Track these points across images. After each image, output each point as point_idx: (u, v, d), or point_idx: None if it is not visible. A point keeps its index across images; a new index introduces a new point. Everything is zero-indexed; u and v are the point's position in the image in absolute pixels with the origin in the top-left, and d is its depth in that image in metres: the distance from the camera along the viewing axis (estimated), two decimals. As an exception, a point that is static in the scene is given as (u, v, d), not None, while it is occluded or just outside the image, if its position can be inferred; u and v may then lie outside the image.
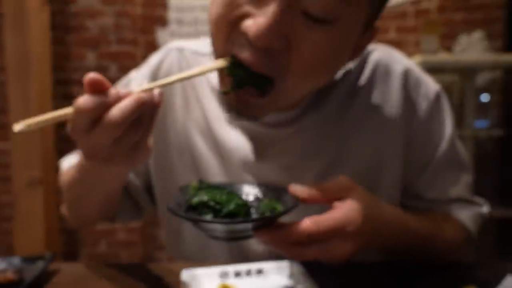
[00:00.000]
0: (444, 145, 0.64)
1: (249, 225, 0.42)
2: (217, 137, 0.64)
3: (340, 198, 0.46)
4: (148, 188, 0.74)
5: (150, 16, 2.66)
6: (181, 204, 0.45)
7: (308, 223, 0.43)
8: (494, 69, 2.43)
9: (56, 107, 2.42)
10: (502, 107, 2.50)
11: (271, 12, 0.43)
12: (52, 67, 2.33)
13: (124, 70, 2.54)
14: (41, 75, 2.20)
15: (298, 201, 0.45)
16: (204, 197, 0.44)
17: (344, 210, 0.45)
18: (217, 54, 0.50)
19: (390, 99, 0.63)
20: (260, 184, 0.51)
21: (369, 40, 0.54)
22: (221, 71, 0.49)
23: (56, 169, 2.28)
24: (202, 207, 0.43)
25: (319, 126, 0.62)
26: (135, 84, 0.68)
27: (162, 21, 2.65)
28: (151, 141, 0.44)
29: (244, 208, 0.44)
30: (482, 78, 2.51)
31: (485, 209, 0.68)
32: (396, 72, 0.63)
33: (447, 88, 2.55)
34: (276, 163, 0.62)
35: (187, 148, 0.66)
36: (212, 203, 0.43)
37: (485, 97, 2.52)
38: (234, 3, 0.45)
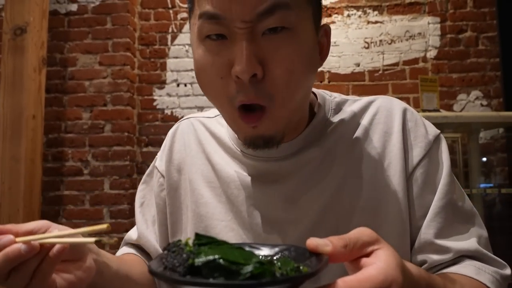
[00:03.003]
0: (443, 189, 0.63)
1: None
2: (223, 181, 0.68)
3: (366, 253, 0.38)
4: None
5: (147, 76, 2.67)
6: (174, 265, 0.33)
7: (342, 286, 0.34)
8: (495, 127, 2.40)
9: (46, 168, 2.41)
10: (507, 165, 2.43)
11: (243, 47, 0.52)
12: (44, 127, 2.28)
13: (119, 129, 2.50)
14: (33, 136, 2.15)
15: (325, 259, 0.35)
16: (212, 255, 0.32)
17: (382, 268, 0.36)
18: (227, 115, 0.58)
19: (391, 138, 0.65)
20: (268, 244, 0.41)
21: (326, 38, 0.62)
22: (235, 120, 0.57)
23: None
24: (209, 268, 0.32)
25: (321, 160, 0.65)
26: (159, 158, 0.77)
27: (160, 82, 2.66)
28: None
29: (269, 268, 0.32)
30: (484, 136, 2.47)
31: (508, 271, 0.62)
32: (396, 114, 0.67)
33: (451, 146, 2.50)
34: (279, 196, 0.64)
35: (192, 199, 0.69)
36: (224, 263, 0.31)
37: (489, 156, 2.46)
38: (216, 62, 0.54)
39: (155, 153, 0.79)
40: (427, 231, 0.62)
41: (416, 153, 0.64)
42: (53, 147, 2.50)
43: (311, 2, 0.57)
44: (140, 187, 0.78)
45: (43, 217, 2.29)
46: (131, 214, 2.40)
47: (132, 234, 0.76)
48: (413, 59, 2.60)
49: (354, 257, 0.38)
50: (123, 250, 0.77)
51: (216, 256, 0.32)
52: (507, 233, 2.15)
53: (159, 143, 2.56)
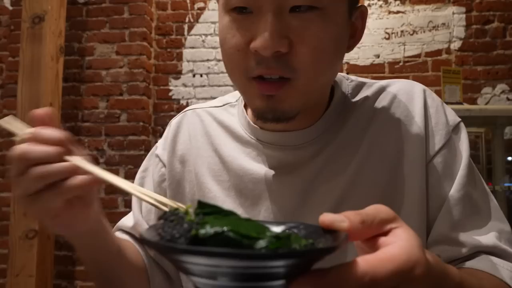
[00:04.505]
0: (461, 180, 0.60)
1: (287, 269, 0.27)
2: (234, 174, 0.65)
3: (383, 232, 0.35)
4: None
5: (163, 66, 2.66)
6: (174, 236, 0.28)
7: (363, 265, 0.30)
8: (522, 122, 2.29)
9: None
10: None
11: (268, 21, 0.50)
12: (61, 116, 2.30)
13: (134, 119, 2.50)
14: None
15: (345, 235, 0.31)
16: (219, 226, 0.28)
17: (404, 247, 0.32)
18: (240, 86, 0.58)
19: (412, 123, 0.62)
20: (274, 221, 0.37)
21: (362, 21, 0.60)
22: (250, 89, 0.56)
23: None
24: (216, 242, 0.27)
25: (338, 146, 0.62)
26: (160, 147, 0.73)
27: (176, 72, 2.65)
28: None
29: (287, 243, 0.28)
30: (510, 132, 2.37)
31: None
32: (418, 98, 0.64)
33: (474, 141, 2.41)
34: (296, 187, 0.62)
35: (199, 194, 0.67)
36: (234, 235, 0.27)
37: (514, 152, 2.36)
38: (236, 36, 0.53)
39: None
40: (442, 223, 0.59)
41: (437, 141, 0.61)
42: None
43: None
44: (139, 174, 0.75)
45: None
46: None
47: (127, 221, 0.71)
48: (436, 50, 2.50)
49: (371, 235, 0.34)
50: (116, 235, 0.74)
51: (225, 228, 0.27)
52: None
53: (174, 134, 2.55)
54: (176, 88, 2.64)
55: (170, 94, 2.64)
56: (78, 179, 0.45)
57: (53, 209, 0.45)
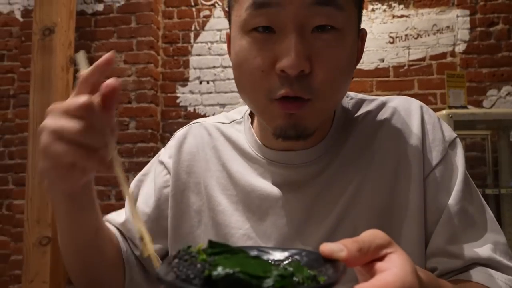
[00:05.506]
0: (457, 194, 0.62)
1: None
2: (241, 189, 0.66)
3: (379, 257, 0.37)
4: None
5: (170, 74, 2.71)
6: (188, 276, 0.31)
7: None
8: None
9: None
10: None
11: (293, 41, 0.52)
12: (72, 124, 2.35)
13: (143, 126, 2.55)
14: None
15: (343, 266, 0.34)
16: (229, 266, 0.31)
17: (398, 273, 0.35)
18: (259, 107, 0.58)
19: (410, 139, 0.64)
20: (278, 248, 0.40)
21: (362, 42, 0.62)
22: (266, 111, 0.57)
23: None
24: (227, 282, 0.30)
25: (340, 163, 0.64)
26: (166, 155, 0.73)
27: (183, 79, 2.69)
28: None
29: (291, 282, 0.31)
30: (516, 134, 2.37)
31: None
32: (415, 115, 0.66)
33: (480, 144, 2.41)
34: (301, 203, 0.63)
35: (209, 206, 0.68)
36: (243, 276, 0.30)
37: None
38: (260, 56, 0.54)
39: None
40: (439, 236, 0.61)
41: (434, 156, 0.63)
42: (80, 143, 2.58)
43: (358, 4, 0.57)
44: (137, 177, 0.75)
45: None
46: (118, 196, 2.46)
47: (117, 217, 0.71)
48: (441, 53, 2.51)
49: (368, 260, 0.37)
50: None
51: (236, 270, 0.30)
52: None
53: (182, 140, 2.59)
54: (183, 95, 2.68)
55: (178, 101, 2.68)
56: (107, 164, 0.45)
57: (68, 165, 0.46)
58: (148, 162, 0.77)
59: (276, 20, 0.52)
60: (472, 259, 0.59)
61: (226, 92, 2.65)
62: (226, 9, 0.60)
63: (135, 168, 2.50)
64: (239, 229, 0.65)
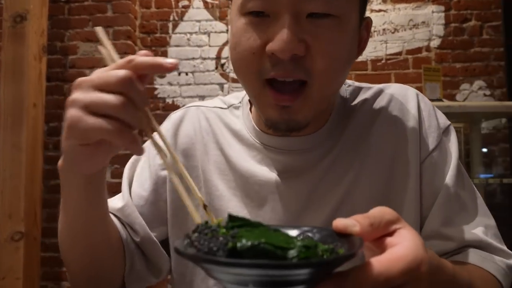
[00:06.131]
0: (451, 179, 0.63)
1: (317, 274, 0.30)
2: (239, 175, 0.66)
3: (388, 232, 0.38)
4: (166, 244, 0.70)
5: (148, 65, 2.65)
6: (211, 249, 0.31)
7: (378, 266, 0.33)
8: (498, 117, 2.38)
9: (47, 156, 2.42)
10: (509, 155, 2.42)
11: (286, 25, 0.51)
12: (45, 116, 2.27)
13: (120, 118, 2.49)
14: (34, 124, 2.14)
15: (360, 239, 0.34)
16: (253, 238, 0.30)
17: (410, 247, 0.36)
18: (252, 91, 0.58)
19: (407, 126, 0.65)
20: (288, 226, 0.40)
21: (366, 32, 0.62)
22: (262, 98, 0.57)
23: (41, 222, 2.19)
24: (252, 253, 0.30)
25: (340, 149, 0.64)
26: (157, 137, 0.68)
27: (161, 70, 2.64)
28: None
29: (315, 252, 0.31)
30: (487, 126, 2.46)
31: None
32: (412, 102, 0.67)
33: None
34: (300, 190, 0.63)
35: (206, 190, 0.67)
36: (269, 247, 0.30)
37: (491, 146, 2.45)
38: (252, 38, 0.54)
39: (157, 142, 0.74)
40: (433, 220, 0.63)
41: (430, 142, 0.65)
42: (54, 135, 2.50)
43: None
44: (132, 159, 0.73)
45: (44, 205, 2.30)
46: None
47: (115, 202, 0.67)
48: (417, 48, 2.57)
49: (378, 236, 0.38)
50: None
51: (262, 240, 0.30)
52: (508, 223, 2.15)
53: (160, 132, 2.55)
54: (162, 86, 2.64)
55: (156, 92, 2.63)
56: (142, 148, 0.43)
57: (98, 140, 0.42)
58: (125, 154, 0.72)
59: (271, 5, 0.52)
60: (465, 241, 0.61)
61: (205, 84, 2.63)
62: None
63: (112, 160, 2.42)
64: (237, 215, 0.64)
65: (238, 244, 0.30)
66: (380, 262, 0.34)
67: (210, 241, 0.31)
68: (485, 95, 2.51)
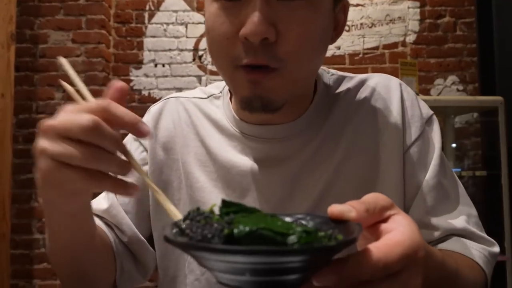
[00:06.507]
0: (434, 169, 0.64)
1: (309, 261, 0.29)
2: (220, 166, 0.65)
3: (383, 218, 0.38)
4: (150, 240, 0.69)
5: (123, 56, 2.58)
6: (205, 236, 0.29)
7: (376, 253, 0.33)
8: (470, 112, 2.45)
9: (16, 149, 2.32)
10: (481, 148, 2.50)
11: (257, 8, 0.50)
12: (14, 108, 2.17)
13: (94, 111, 2.41)
14: (2, 116, 2.05)
15: (359, 225, 0.33)
16: (249, 224, 0.28)
17: (407, 232, 0.36)
18: (226, 74, 0.57)
19: (390, 115, 0.65)
20: (282, 214, 0.38)
21: (343, 14, 0.61)
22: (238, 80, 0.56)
23: (10, 218, 2.10)
24: (250, 240, 0.28)
25: (322, 138, 0.64)
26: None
27: (137, 61, 2.58)
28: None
29: (316, 237, 0.30)
30: (459, 121, 2.53)
31: (496, 248, 0.65)
32: (395, 91, 0.67)
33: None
34: (282, 179, 0.63)
35: (187, 183, 0.67)
36: (268, 233, 0.28)
37: (463, 140, 2.52)
38: (225, 23, 0.53)
39: (132, 135, 0.72)
40: (417, 209, 0.63)
41: (413, 132, 0.65)
42: (23, 128, 2.40)
43: None
44: None
45: (14, 200, 2.21)
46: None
47: (99, 203, 0.66)
48: (393, 43, 2.61)
49: (372, 222, 0.37)
50: None
51: (261, 226, 0.28)
52: (480, 215, 2.22)
53: (136, 125, 2.48)
54: (138, 78, 2.57)
55: (132, 84, 2.56)
56: (135, 189, 0.42)
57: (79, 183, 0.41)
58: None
59: None
60: (449, 230, 0.62)
61: (183, 76, 2.58)
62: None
63: (85, 154, 2.37)
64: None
65: (235, 230, 0.28)
66: (378, 248, 0.33)
67: (203, 228, 0.29)
68: (458, 90, 2.57)
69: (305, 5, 0.53)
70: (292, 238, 0.28)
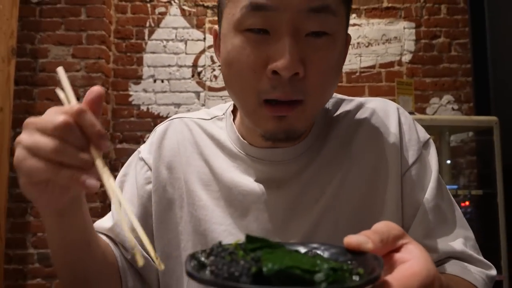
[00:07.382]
0: (431, 192, 0.64)
1: None
2: (223, 185, 0.66)
3: (395, 247, 0.38)
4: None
5: (123, 71, 2.60)
6: (232, 274, 0.29)
7: (396, 284, 0.33)
8: (465, 131, 2.48)
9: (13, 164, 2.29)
10: (476, 167, 2.52)
11: (287, 45, 0.52)
12: (12, 121, 2.17)
13: (93, 125, 2.41)
14: (0, 129, 2.04)
15: (381, 259, 0.33)
16: (277, 262, 0.29)
17: (422, 263, 0.36)
18: (248, 108, 0.58)
19: (388, 139, 0.66)
20: (296, 243, 0.38)
21: (346, 47, 0.63)
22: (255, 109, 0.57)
23: (5, 232, 2.08)
24: (279, 278, 0.28)
25: (321, 161, 0.65)
26: (145, 151, 0.72)
27: (136, 77, 2.59)
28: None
29: (342, 274, 0.30)
30: (455, 139, 2.55)
31: (493, 271, 0.65)
32: (393, 115, 0.68)
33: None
34: (283, 200, 0.64)
35: (189, 201, 0.67)
36: (297, 272, 0.28)
37: (458, 158, 2.54)
38: (252, 56, 0.54)
39: (130, 150, 0.74)
40: (415, 232, 0.64)
41: (410, 155, 0.66)
42: (21, 141, 2.39)
43: (347, 11, 0.59)
44: (118, 179, 0.73)
45: (9, 214, 2.19)
46: (103, 212, 2.33)
47: (104, 222, 0.69)
48: (389, 62, 2.65)
49: (386, 251, 0.37)
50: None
51: (289, 264, 0.28)
52: (475, 234, 2.23)
53: (134, 140, 2.49)
54: (136, 93, 2.58)
55: (130, 99, 2.57)
56: (93, 184, 0.43)
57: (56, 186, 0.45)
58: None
59: (271, 23, 0.53)
60: (447, 252, 0.62)
61: (181, 92, 2.59)
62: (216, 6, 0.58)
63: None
64: (220, 225, 0.65)
65: (264, 269, 0.28)
66: (397, 280, 0.34)
67: (229, 265, 0.29)
68: (453, 109, 2.61)
69: (327, 42, 0.55)
70: (320, 276, 0.29)
